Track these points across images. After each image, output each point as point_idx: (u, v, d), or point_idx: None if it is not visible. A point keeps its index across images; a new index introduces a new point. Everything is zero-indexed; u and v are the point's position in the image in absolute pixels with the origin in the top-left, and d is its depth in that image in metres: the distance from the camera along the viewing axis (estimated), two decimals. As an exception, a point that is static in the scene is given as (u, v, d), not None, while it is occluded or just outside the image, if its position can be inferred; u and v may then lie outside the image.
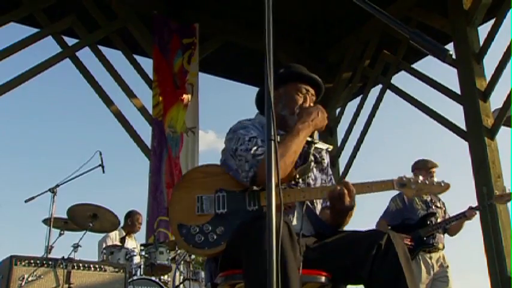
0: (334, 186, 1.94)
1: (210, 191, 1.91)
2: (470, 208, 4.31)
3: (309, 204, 2.02)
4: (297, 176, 1.98)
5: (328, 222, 2.02)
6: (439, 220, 4.44)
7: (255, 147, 1.92)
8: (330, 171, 2.23)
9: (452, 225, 4.42)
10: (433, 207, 4.53)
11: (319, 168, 2.16)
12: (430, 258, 4.36)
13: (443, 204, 4.68)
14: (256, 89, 2.25)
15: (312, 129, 2.00)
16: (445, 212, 4.60)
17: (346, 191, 1.88)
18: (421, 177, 1.98)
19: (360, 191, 1.91)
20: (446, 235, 4.57)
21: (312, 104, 2.13)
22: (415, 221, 4.41)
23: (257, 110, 2.23)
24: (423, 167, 4.50)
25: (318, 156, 2.16)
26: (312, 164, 2.09)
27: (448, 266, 4.43)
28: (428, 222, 4.39)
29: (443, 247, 4.49)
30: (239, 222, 1.81)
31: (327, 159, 2.21)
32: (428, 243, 4.35)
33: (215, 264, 1.88)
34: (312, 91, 2.15)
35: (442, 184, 1.97)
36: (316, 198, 2.05)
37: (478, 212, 4.39)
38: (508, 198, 4.27)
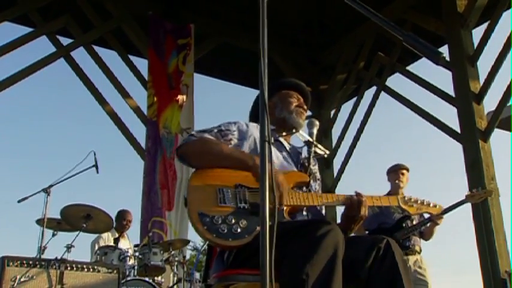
0: (351, 195, 2.04)
1: (230, 184, 1.91)
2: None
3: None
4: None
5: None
6: (414, 222, 4.47)
7: (215, 130, 2.07)
8: (319, 176, 2.32)
9: (425, 229, 4.51)
10: None
11: (313, 178, 2.24)
12: (407, 260, 4.37)
13: None
14: (251, 90, 2.34)
15: (252, 170, 1.91)
16: (421, 215, 4.55)
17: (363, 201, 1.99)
18: (420, 198, 2.17)
19: (369, 202, 2.04)
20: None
21: (305, 107, 2.29)
22: (391, 224, 4.44)
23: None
24: (392, 170, 4.75)
25: (312, 169, 2.24)
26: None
27: (425, 269, 4.46)
28: (404, 225, 4.42)
29: (421, 250, 4.55)
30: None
31: (315, 167, 2.30)
32: (404, 246, 4.39)
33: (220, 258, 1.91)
34: (301, 99, 2.30)
35: (437, 206, 2.19)
36: (333, 205, 2.11)
37: (443, 216, 4.25)
38: (482, 196, 4.12)
